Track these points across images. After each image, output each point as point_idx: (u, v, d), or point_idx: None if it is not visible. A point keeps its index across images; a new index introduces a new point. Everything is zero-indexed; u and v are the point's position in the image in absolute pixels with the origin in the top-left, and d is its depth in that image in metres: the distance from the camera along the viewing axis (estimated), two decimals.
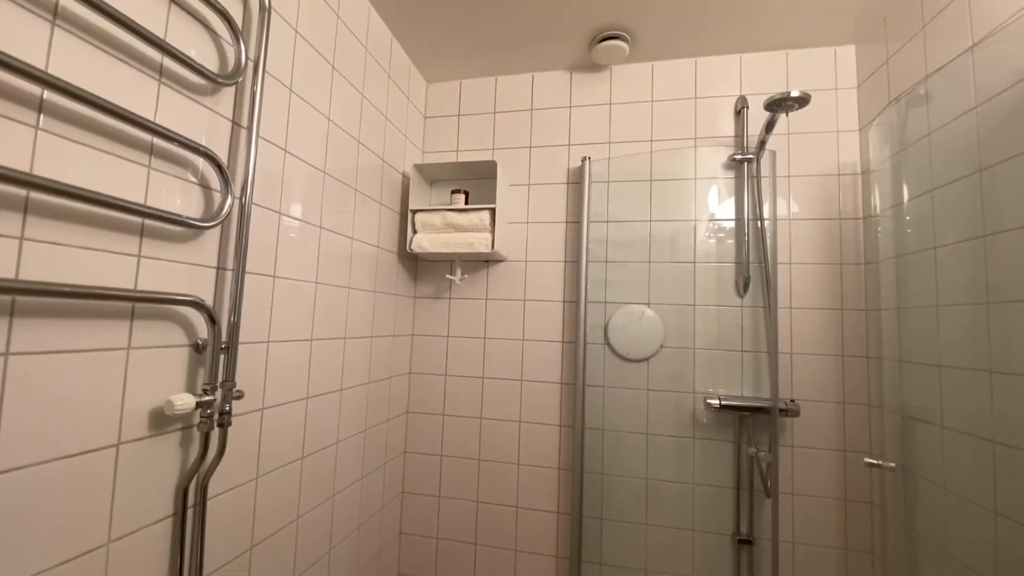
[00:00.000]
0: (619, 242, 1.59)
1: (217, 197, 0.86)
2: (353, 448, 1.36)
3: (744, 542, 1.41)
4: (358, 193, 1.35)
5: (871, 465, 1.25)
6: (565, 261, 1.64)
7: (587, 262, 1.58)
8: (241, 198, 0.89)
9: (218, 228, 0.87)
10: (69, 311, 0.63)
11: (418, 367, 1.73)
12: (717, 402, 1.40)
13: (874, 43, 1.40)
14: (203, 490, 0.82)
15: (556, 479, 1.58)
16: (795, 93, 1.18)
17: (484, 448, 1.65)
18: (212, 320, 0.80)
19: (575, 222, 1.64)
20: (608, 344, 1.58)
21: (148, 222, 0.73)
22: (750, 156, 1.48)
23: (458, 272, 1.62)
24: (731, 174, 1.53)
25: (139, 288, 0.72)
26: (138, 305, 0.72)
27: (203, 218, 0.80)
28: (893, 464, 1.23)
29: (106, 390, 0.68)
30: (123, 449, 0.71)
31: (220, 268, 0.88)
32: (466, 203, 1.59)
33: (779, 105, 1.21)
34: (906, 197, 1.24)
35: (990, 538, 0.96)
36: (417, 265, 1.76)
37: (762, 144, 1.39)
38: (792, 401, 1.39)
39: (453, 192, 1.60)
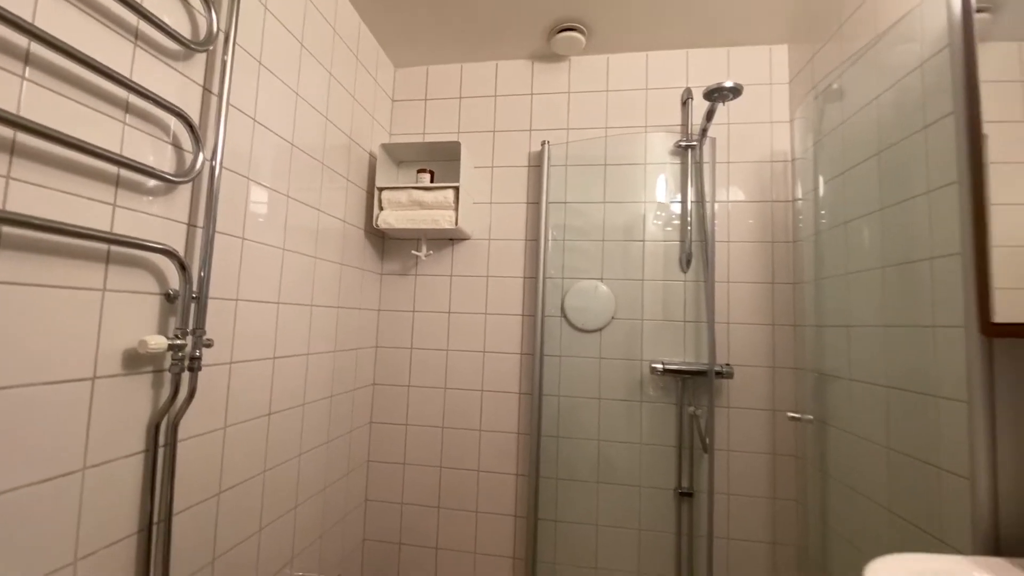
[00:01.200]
0: (576, 222, 1.70)
1: (188, 157, 0.92)
2: (319, 412, 1.42)
3: (684, 495, 1.54)
4: (326, 168, 1.41)
5: (793, 419, 1.40)
6: (526, 239, 1.74)
7: (546, 240, 1.69)
8: (211, 160, 0.94)
9: (189, 186, 0.93)
10: (51, 248, 0.69)
11: (384, 341, 1.79)
12: (661, 366, 1.53)
13: (803, 43, 1.55)
14: (174, 430, 0.88)
15: (515, 443, 1.68)
16: (729, 84, 1.32)
17: (448, 416, 1.73)
18: (183, 267, 0.86)
19: (535, 203, 1.74)
20: (565, 317, 1.69)
21: (124, 172, 0.78)
22: (694, 143, 1.61)
23: (424, 248, 1.70)
24: (677, 160, 1.66)
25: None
26: (113, 249, 0.78)
27: (176, 174, 0.86)
28: (811, 416, 1.38)
29: (83, 326, 0.74)
30: (99, 384, 0.76)
31: (191, 224, 0.94)
32: (431, 182, 1.66)
33: (716, 94, 1.34)
34: (821, 182, 1.39)
35: (884, 471, 1.11)
36: (384, 243, 1.82)
37: (704, 132, 1.52)
38: (727, 365, 1.53)
39: (419, 172, 1.67)
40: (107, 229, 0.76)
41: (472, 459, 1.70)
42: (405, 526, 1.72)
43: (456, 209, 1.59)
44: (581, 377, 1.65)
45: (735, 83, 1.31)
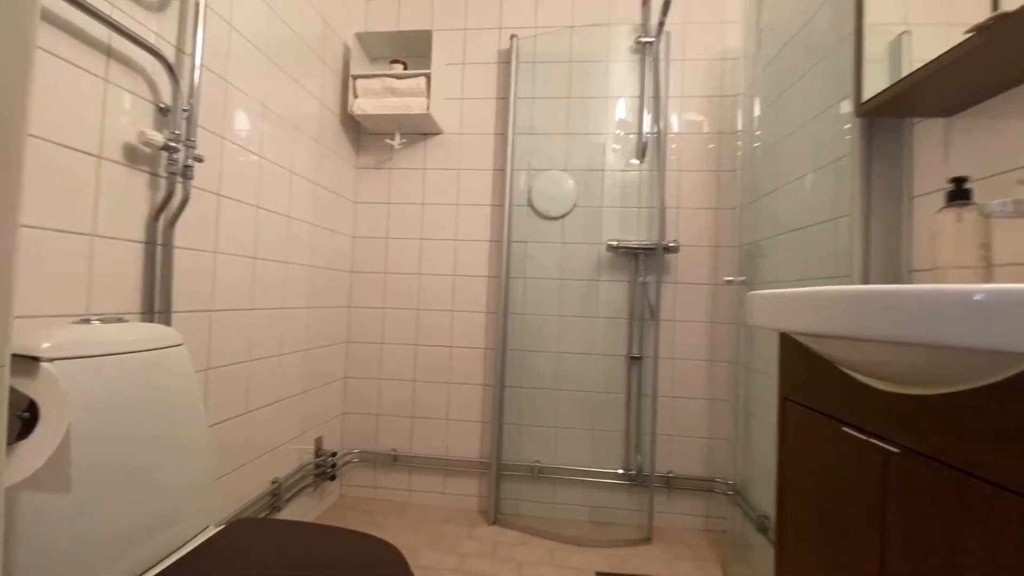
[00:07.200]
0: (542, 116, 1.81)
1: None
2: (298, 276, 1.53)
3: (635, 359, 1.73)
4: (303, 44, 1.48)
5: (729, 282, 1.58)
6: (495, 133, 1.85)
7: (514, 134, 1.80)
8: None
9: (177, 11, 1.00)
10: (59, 21, 0.77)
11: (361, 231, 1.90)
12: (616, 243, 1.69)
13: None
14: (171, 229, 0.98)
15: (484, 322, 1.83)
16: None
17: (422, 300, 1.86)
18: (174, 77, 0.95)
19: (504, 98, 1.84)
20: (531, 205, 1.82)
21: None
22: (652, 39, 1.73)
23: (397, 138, 1.79)
24: (636, 57, 1.78)
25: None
26: (113, 45, 0.86)
27: None
28: (744, 278, 1.56)
29: (89, 106, 0.82)
30: (103, 165, 0.86)
31: (179, 49, 1.01)
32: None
33: None
34: (757, 72, 1.53)
35: None
36: (359, 137, 1.90)
37: (661, 25, 1.64)
38: (674, 241, 1.69)
39: (392, 62, 1.75)
40: (105, 24, 0.84)
41: (445, 336, 1.84)
42: (383, 397, 1.87)
43: (428, 96, 1.68)
44: (545, 261, 1.80)
45: None
